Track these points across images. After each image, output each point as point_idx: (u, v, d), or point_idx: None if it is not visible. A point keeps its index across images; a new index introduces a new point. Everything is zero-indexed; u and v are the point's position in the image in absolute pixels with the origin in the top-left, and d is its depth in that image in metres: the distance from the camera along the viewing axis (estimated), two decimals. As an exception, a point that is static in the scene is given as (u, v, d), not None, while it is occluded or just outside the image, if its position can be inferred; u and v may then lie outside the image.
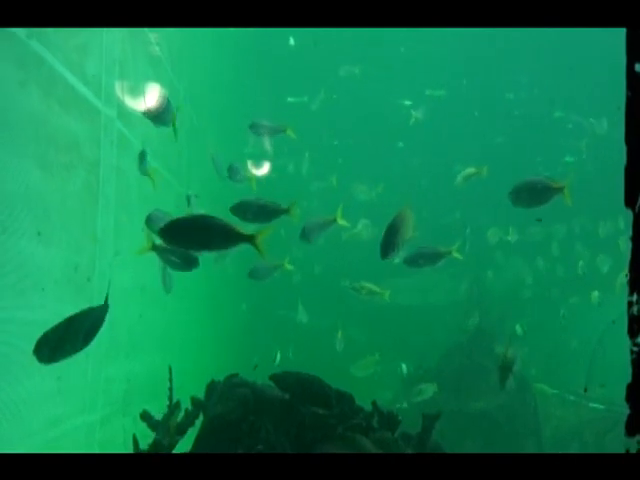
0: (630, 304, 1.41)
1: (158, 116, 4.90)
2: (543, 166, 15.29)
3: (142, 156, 5.55)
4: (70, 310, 3.83)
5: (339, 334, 10.33)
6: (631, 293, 1.41)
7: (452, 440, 4.16)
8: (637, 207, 1.49)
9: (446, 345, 10.66)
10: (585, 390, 8.72)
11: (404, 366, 10.65)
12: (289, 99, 16.68)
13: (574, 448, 8.71)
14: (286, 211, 4.74)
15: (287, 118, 7.61)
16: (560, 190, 4.67)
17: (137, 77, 6.38)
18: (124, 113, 5.84)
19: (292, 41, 15.18)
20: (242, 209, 4.74)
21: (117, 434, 5.25)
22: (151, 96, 5.92)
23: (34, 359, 3.00)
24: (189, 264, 4.50)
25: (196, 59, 9.76)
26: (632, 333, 1.39)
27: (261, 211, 4.73)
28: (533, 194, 4.79)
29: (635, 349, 1.39)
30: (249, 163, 10.84)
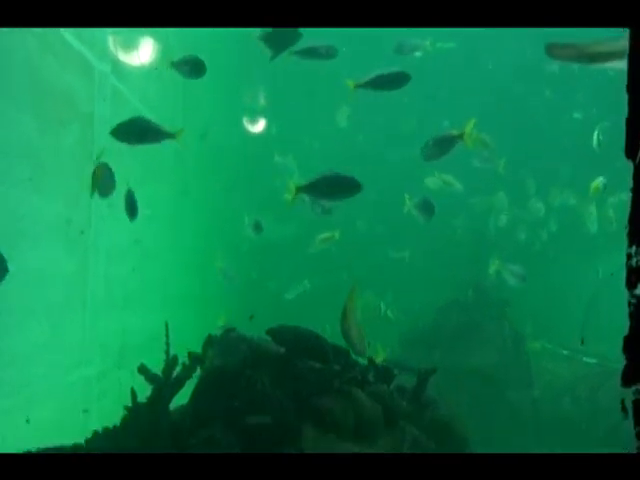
0: (629, 256, 1.39)
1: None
2: (548, 122, 14.84)
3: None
4: (65, 260, 3.80)
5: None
6: (630, 245, 1.39)
7: (448, 395, 4.25)
8: (637, 159, 1.44)
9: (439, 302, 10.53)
10: (582, 342, 8.80)
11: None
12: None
13: (566, 402, 8.86)
14: (172, 136, 4.43)
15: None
16: (460, 137, 5.00)
17: (131, 31, 6.21)
18: (118, 68, 5.71)
19: None
20: (124, 131, 4.33)
21: (114, 387, 5.33)
22: (145, 50, 5.75)
23: (30, 309, 3.00)
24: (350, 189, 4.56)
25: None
26: (630, 285, 1.38)
27: (144, 132, 4.37)
28: (438, 145, 5.22)
29: (633, 301, 1.37)
30: (245, 119, 10.63)
